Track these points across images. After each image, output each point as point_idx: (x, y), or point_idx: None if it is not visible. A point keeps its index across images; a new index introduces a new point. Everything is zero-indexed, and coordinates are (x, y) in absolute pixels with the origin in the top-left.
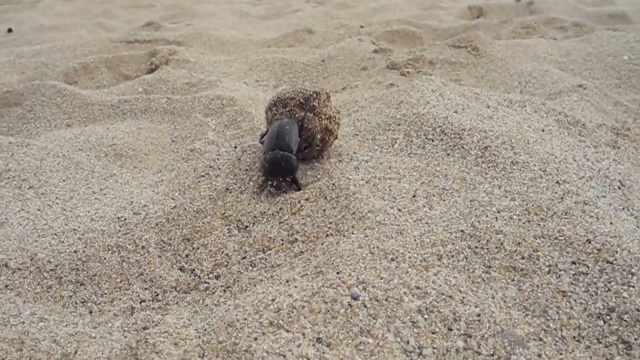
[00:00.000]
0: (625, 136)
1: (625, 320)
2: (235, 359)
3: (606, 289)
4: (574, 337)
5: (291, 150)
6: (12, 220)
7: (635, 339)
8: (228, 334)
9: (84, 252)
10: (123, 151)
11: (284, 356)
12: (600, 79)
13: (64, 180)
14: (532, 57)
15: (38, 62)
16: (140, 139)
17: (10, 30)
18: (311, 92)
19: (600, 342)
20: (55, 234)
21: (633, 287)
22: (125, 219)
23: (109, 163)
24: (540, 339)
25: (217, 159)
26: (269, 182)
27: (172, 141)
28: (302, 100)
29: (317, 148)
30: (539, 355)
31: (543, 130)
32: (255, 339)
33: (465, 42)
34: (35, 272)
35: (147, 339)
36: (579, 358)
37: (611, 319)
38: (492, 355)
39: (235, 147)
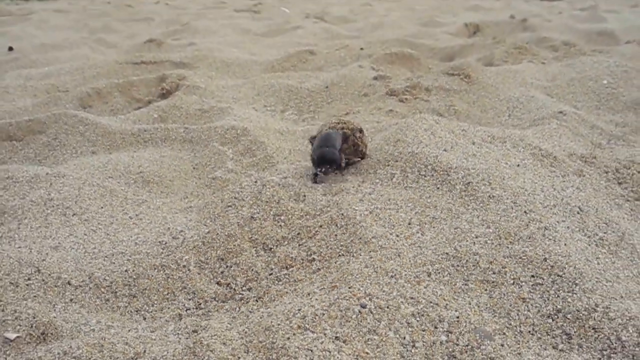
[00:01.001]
0: (591, 164)
1: (568, 318)
2: (274, 353)
3: (556, 296)
4: (529, 332)
5: (336, 149)
6: (65, 244)
7: (575, 332)
8: (266, 335)
9: (133, 271)
10: (150, 178)
11: (312, 350)
12: (582, 101)
13: (102, 207)
14: (520, 82)
15: (48, 85)
16: (164, 166)
17: (11, 49)
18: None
19: (549, 335)
20: (106, 257)
21: (576, 294)
22: (166, 243)
23: (138, 189)
24: (504, 334)
25: (241, 191)
26: (319, 169)
27: (194, 168)
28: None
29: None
30: (502, 345)
31: (518, 165)
32: (288, 338)
33: (458, 70)
34: (94, 288)
35: (201, 340)
36: (532, 347)
37: (558, 317)
38: (466, 345)
39: (256, 182)
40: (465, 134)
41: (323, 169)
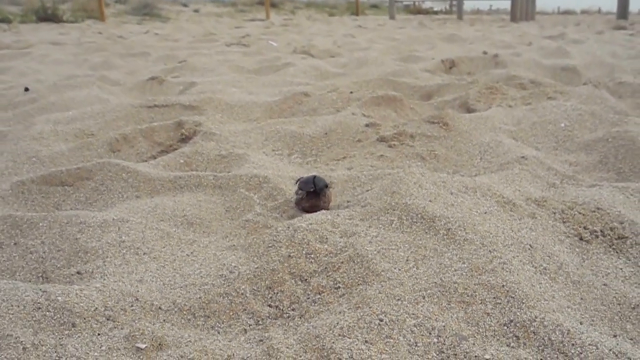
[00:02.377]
0: (543, 206)
1: (517, 326)
2: (325, 352)
3: (509, 311)
4: (491, 335)
5: (324, 182)
6: (146, 278)
7: (521, 335)
8: (317, 341)
9: (205, 297)
10: (192, 220)
11: (351, 350)
12: (542, 143)
13: (164, 247)
14: (490, 128)
15: (76, 130)
16: (202, 209)
17: (27, 89)
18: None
19: (504, 337)
20: (181, 287)
21: (522, 309)
22: (225, 276)
23: (185, 230)
24: (475, 337)
25: (277, 235)
26: (320, 188)
27: (226, 211)
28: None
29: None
30: (473, 344)
31: (485, 213)
32: (333, 342)
33: (437, 119)
34: (178, 312)
35: (272, 345)
36: (493, 345)
37: (511, 325)
38: (450, 344)
39: (289, 227)
40: (445, 185)
41: (321, 187)
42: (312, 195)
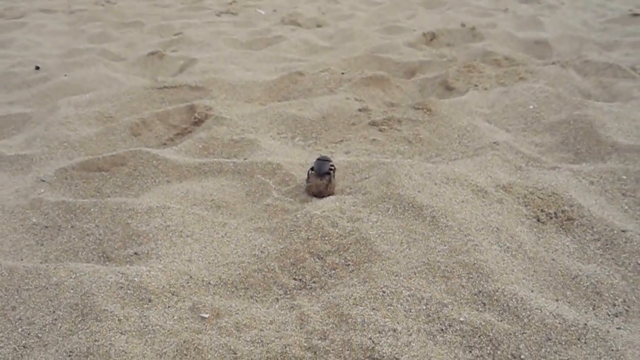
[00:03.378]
0: (509, 192)
1: (484, 295)
2: (343, 317)
3: (479, 283)
4: (466, 303)
5: (329, 167)
6: (193, 258)
7: (487, 302)
8: (337, 308)
9: (243, 273)
10: (219, 204)
11: (363, 315)
12: (513, 125)
13: (202, 230)
14: (467, 112)
15: (96, 113)
16: (226, 194)
17: (37, 68)
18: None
19: (475, 304)
20: (223, 265)
21: (488, 282)
22: (257, 255)
23: (215, 213)
24: (453, 304)
25: (297, 220)
26: (328, 168)
27: (246, 195)
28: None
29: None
30: (452, 310)
31: (462, 202)
32: (350, 309)
33: (422, 105)
34: (224, 286)
35: (303, 312)
36: (467, 310)
37: (479, 295)
38: (435, 310)
39: (306, 215)
40: (430, 176)
41: (329, 167)
42: (320, 181)
